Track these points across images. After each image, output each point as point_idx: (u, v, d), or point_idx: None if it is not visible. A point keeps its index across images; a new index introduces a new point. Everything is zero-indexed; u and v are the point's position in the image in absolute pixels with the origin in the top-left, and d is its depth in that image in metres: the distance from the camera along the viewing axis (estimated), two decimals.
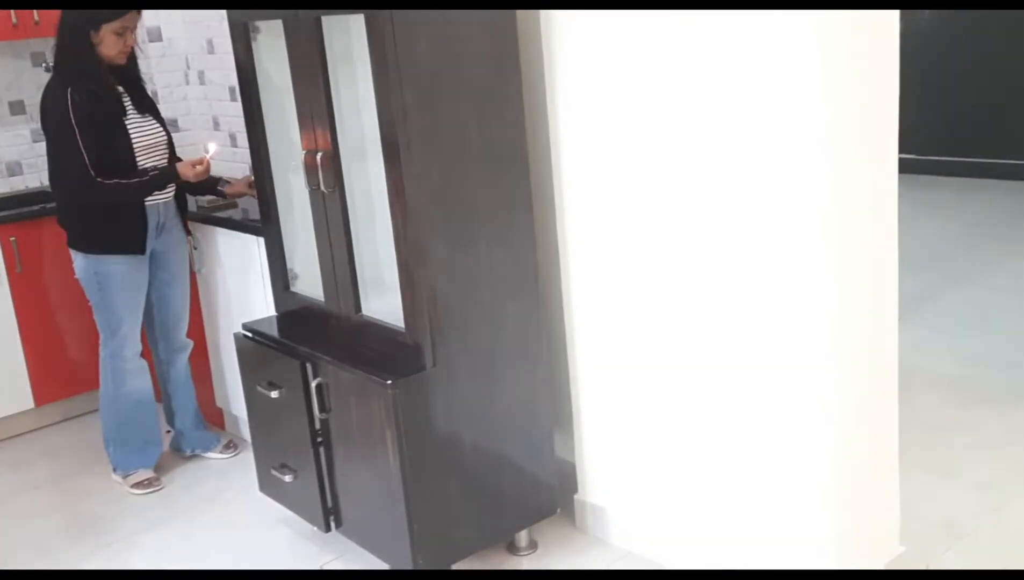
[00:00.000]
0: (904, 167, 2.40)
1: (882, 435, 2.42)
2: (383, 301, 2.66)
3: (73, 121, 3.10)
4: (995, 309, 4.46)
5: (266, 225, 2.92)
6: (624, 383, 2.66)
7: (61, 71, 3.18)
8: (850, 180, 2.16)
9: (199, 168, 3.27)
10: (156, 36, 4.27)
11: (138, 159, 3.25)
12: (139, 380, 3.43)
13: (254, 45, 2.74)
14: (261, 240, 3.26)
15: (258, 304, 3.36)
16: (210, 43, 4.16)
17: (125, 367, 3.39)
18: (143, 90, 3.38)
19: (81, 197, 3.22)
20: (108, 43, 3.16)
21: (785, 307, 2.24)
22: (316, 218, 2.66)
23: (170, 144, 3.42)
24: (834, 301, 2.18)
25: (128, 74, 3.31)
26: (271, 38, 2.72)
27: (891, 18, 2.19)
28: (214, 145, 3.47)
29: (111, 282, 3.29)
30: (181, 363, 3.59)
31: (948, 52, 6.83)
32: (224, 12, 2.78)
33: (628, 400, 2.66)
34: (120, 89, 3.27)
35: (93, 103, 3.14)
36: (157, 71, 4.29)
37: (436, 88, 2.35)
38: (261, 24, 2.72)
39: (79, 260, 3.29)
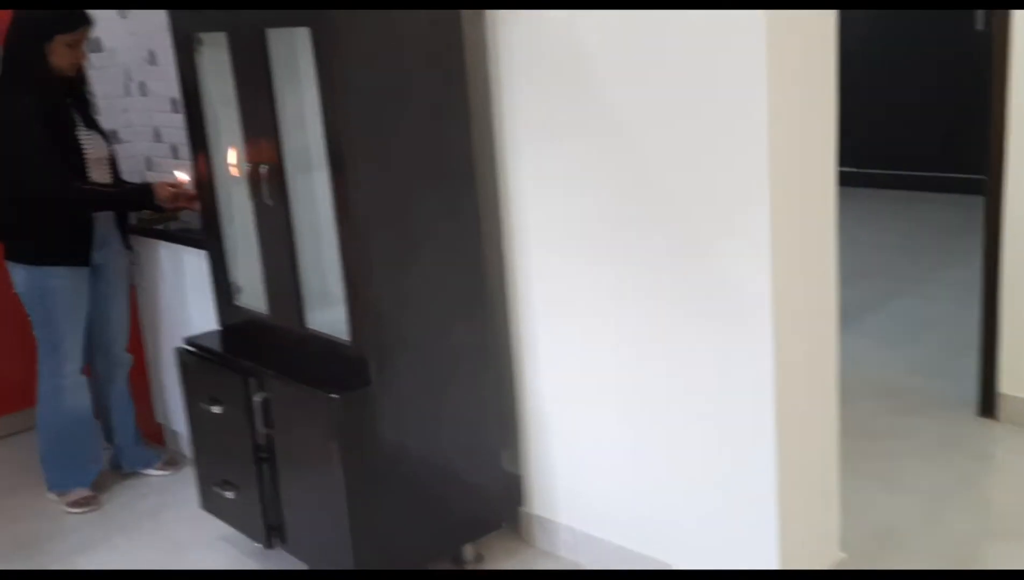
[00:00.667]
0: (843, 179, 2.45)
1: (822, 442, 2.46)
2: (328, 313, 2.64)
3: (38, 126, 3.06)
4: (932, 318, 4.56)
5: (209, 238, 2.89)
6: (570, 395, 2.67)
7: (15, 79, 3.12)
8: (789, 191, 2.20)
9: (174, 192, 3.24)
10: (97, 47, 4.19)
11: (91, 174, 3.21)
12: (78, 397, 3.36)
13: (197, 57, 2.71)
14: (203, 253, 3.22)
15: (199, 318, 3.31)
16: (152, 54, 4.10)
17: (64, 384, 3.31)
18: (89, 104, 3.34)
19: (56, 200, 3.15)
20: (59, 54, 3.12)
21: (725, 315, 2.27)
22: (260, 231, 2.64)
23: (112, 160, 3.38)
24: (775, 311, 2.21)
25: (76, 87, 3.27)
26: (214, 50, 2.69)
27: (828, 23, 2.23)
28: (183, 174, 3.39)
29: (55, 297, 3.22)
30: (120, 378, 3.52)
31: (887, 63, 6.97)
32: (166, 24, 2.75)
33: (574, 412, 2.68)
34: (69, 101, 3.23)
35: (49, 112, 3.12)
36: (98, 81, 4.19)
37: (382, 102, 2.35)
38: (204, 36, 2.69)
39: (20, 273, 3.22)
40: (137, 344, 3.70)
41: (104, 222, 3.29)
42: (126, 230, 3.45)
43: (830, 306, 2.39)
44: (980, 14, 6.21)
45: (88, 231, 3.24)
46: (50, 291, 3.21)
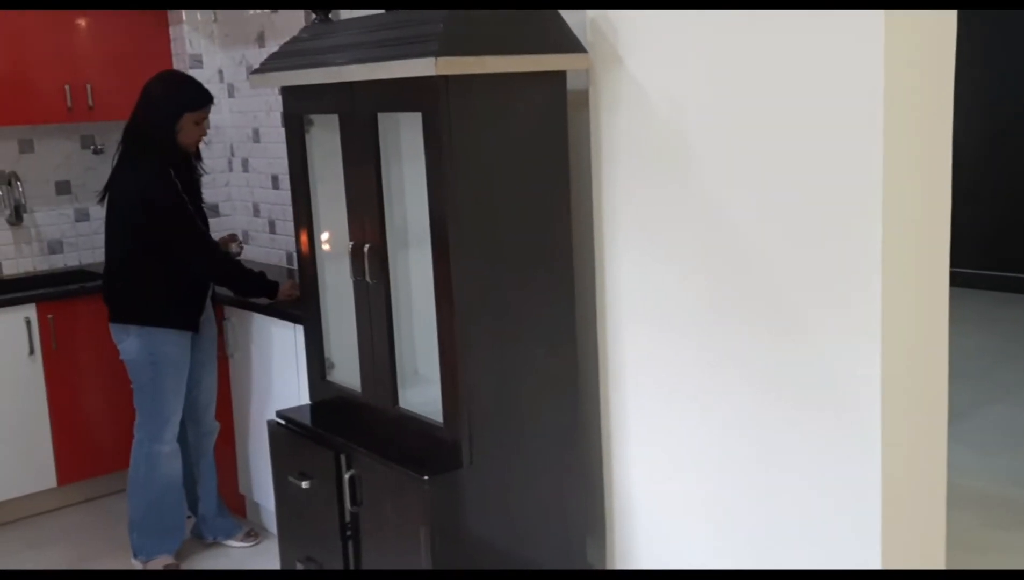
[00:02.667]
0: None
1: (928, 554, 2.35)
2: (419, 393, 2.64)
3: (184, 205, 3.26)
4: None
5: (307, 313, 2.93)
6: (660, 483, 2.61)
7: (157, 153, 3.26)
8: (900, 287, 2.14)
9: (292, 295, 3.40)
10: None
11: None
12: (173, 465, 3.41)
13: (307, 137, 2.79)
14: (295, 326, 3.27)
15: (290, 392, 3.35)
16: (256, 132, 4.24)
17: (162, 451, 3.37)
18: (197, 179, 3.51)
19: (211, 271, 3.38)
20: (187, 131, 3.29)
21: (828, 405, 2.21)
22: (358, 309, 2.67)
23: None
24: (883, 404, 2.13)
25: (191, 162, 3.44)
26: (323, 130, 2.76)
27: (945, 128, 2.20)
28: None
29: (164, 361, 3.31)
30: (208, 447, 3.57)
31: (994, 159, 6.87)
32: (273, 102, 2.84)
33: (663, 500, 2.61)
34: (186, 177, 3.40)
35: (180, 188, 3.30)
36: (203, 156, 4.36)
37: (488, 188, 2.38)
38: (315, 117, 2.77)
39: (132, 340, 3.29)
40: (226, 414, 3.75)
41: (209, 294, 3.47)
42: (216, 301, 3.58)
43: (941, 403, 2.30)
44: None
45: (201, 297, 3.38)
46: (160, 355, 3.30)
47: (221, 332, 3.66)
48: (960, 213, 7.43)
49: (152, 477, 3.37)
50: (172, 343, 3.32)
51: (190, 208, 3.30)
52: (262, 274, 3.49)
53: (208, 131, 3.43)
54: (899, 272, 2.12)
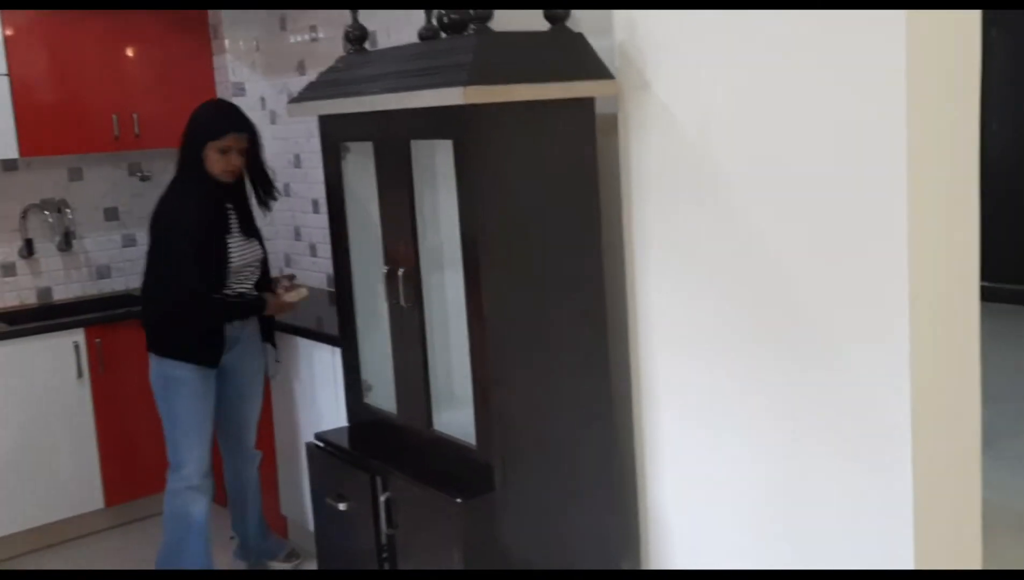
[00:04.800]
0: (980, 294, 2.36)
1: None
2: (454, 415, 2.67)
3: (191, 234, 3.21)
4: None
5: (344, 336, 2.98)
6: (693, 506, 2.61)
7: (182, 182, 3.31)
8: (929, 305, 2.13)
9: (284, 305, 3.40)
10: None
11: (231, 279, 3.34)
12: (194, 504, 3.33)
13: (343, 163, 2.85)
14: (336, 350, 3.32)
15: (330, 414, 3.40)
16: (297, 158, 4.33)
17: (178, 488, 3.33)
18: (249, 210, 3.47)
19: (182, 309, 3.28)
20: (212, 160, 3.28)
21: (859, 428, 2.20)
22: (394, 332, 2.71)
23: (264, 262, 3.53)
24: (914, 429, 2.12)
25: (237, 193, 3.41)
26: (359, 157, 2.82)
27: (971, 142, 2.19)
28: (301, 292, 3.56)
29: (177, 389, 3.28)
30: (248, 473, 3.59)
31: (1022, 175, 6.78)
32: (313, 128, 2.90)
33: (697, 523, 2.61)
34: (229, 206, 3.37)
35: (206, 217, 3.27)
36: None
37: (519, 212, 2.41)
38: (352, 144, 2.83)
39: (153, 364, 3.35)
40: (269, 437, 3.81)
41: (240, 326, 3.41)
42: (270, 328, 3.57)
43: (974, 425, 2.28)
44: None
45: (219, 337, 3.34)
46: (173, 382, 3.28)
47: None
48: (1009, 228, 7.38)
49: (171, 513, 3.33)
50: (189, 376, 3.28)
51: (191, 238, 3.21)
52: (241, 301, 3.39)
53: (240, 161, 3.35)
54: (928, 294, 2.11)
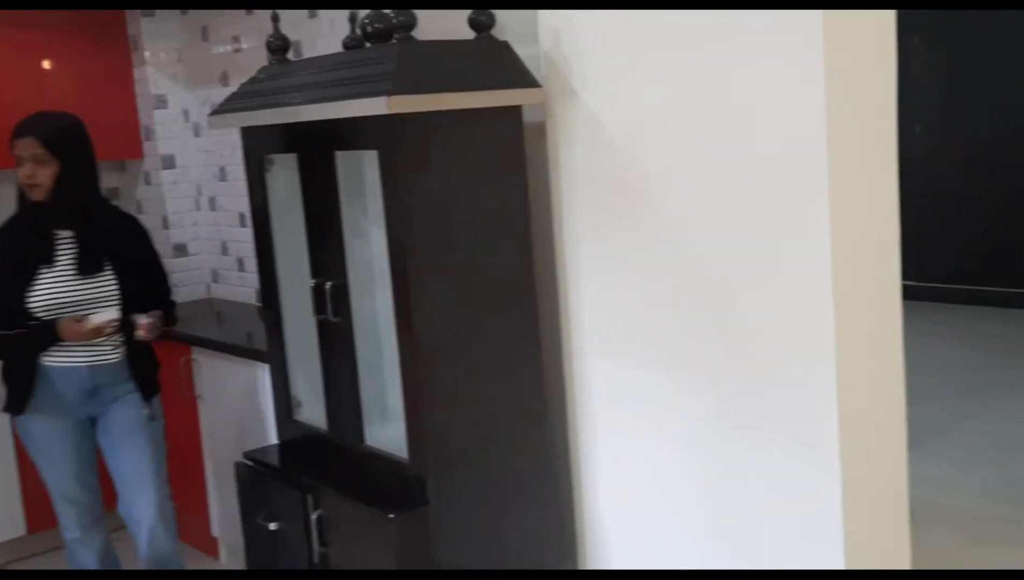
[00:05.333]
0: (906, 293, 2.40)
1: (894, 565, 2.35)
2: (386, 429, 2.63)
3: None
4: (1006, 440, 4.41)
5: (271, 352, 2.92)
6: (630, 508, 2.61)
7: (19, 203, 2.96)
8: (853, 306, 2.16)
9: (83, 331, 2.84)
10: (170, 163, 4.36)
11: (41, 316, 2.88)
12: (80, 555, 3.12)
13: (268, 176, 2.79)
14: (265, 366, 3.26)
15: (260, 431, 3.33)
16: (223, 170, 4.25)
17: (65, 538, 3.13)
18: (104, 237, 2.98)
19: None
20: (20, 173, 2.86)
21: (788, 425, 2.21)
22: (322, 347, 2.66)
23: (126, 299, 2.99)
24: (841, 423, 2.14)
25: (84, 217, 2.95)
26: (284, 168, 2.77)
27: (889, 139, 2.22)
28: (106, 314, 2.93)
29: (30, 443, 3.04)
30: (148, 538, 3.10)
31: (949, 175, 6.95)
32: (239, 141, 2.85)
33: (633, 525, 2.61)
34: (63, 234, 2.93)
35: (13, 245, 2.91)
36: (169, 197, 4.37)
37: (447, 222, 2.39)
38: (276, 156, 2.77)
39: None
40: (196, 456, 3.72)
41: (95, 374, 2.99)
42: (147, 382, 3.11)
43: (900, 422, 2.32)
44: None
45: (28, 379, 2.95)
46: (26, 437, 3.05)
47: (186, 377, 3.62)
48: (935, 228, 7.60)
49: (68, 558, 3.16)
50: (32, 423, 2.99)
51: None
52: (26, 332, 2.91)
53: (31, 173, 2.84)
54: (851, 294, 2.13)
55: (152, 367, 3.17)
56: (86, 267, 2.94)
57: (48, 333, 2.88)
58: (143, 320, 2.98)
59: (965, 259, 6.99)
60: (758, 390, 2.26)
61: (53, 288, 2.91)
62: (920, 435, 4.23)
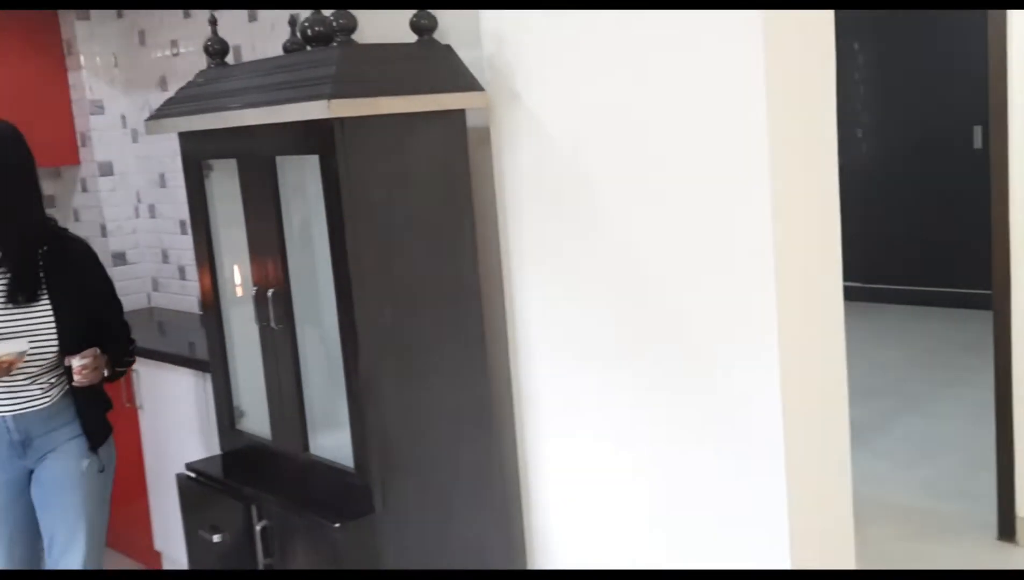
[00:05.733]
0: (849, 295, 2.43)
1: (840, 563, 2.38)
2: (332, 437, 2.60)
3: None
4: (945, 437, 4.50)
5: (213, 361, 2.86)
6: (577, 513, 2.61)
7: None
8: (795, 307, 2.18)
9: None
10: (108, 170, 4.28)
11: None
12: None
13: (207, 182, 2.75)
14: (207, 375, 3.20)
15: (202, 442, 3.27)
16: (162, 177, 4.17)
17: None
18: (42, 262, 2.68)
19: None
20: None
21: (734, 430, 2.23)
22: (265, 355, 2.62)
23: (64, 334, 2.66)
24: (785, 426, 2.16)
25: (16, 237, 2.65)
26: (223, 174, 2.72)
27: (830, 144, 2.25)
28: (9, 346, 2.59)
29: None
30: None
31: (891, 181, 7.09)
32: (178, 147, 2.80)
33: (581, 531, 2.60)
34: None
35: None
36: (107, 204, 4.28)
37: (389, 225, 2.37)
38: (215, 162, 2.73)
39: None
40: (138, 468, 3.65)
41: (17, 424, 2.67)
42: (93, 426, 2.78)
43: (842, 421, 2.35)
44: (978, 133, 6.33)
45: None
46: None
47: (126, 388, 3.54)
48: (877, 230, 7.71)
49: None
50: None
51: None
52: None
53: None
54: (793, 296, 2.15)
55: (100, 408, 2.83)
56: (17, 296, 2.62)
57: None
58: (76, 362, 2.63)
59: (905, 260, 7.13)
60: (703, 390, 2.28)
61: None
62: (862, 433, 4.30)
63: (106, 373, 2.76)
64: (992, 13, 3.21)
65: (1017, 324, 3.27)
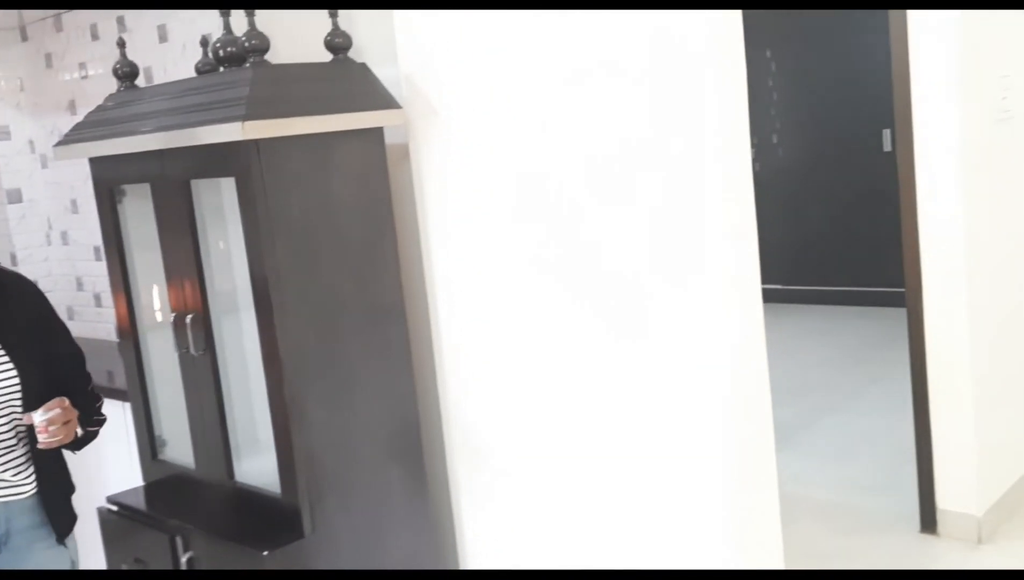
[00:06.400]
0: (770, 297, 2.48)
1: (767, 567, 2.41)
2: (259, 463, 2.55)
3: None
4: (868, 433, 4.60)
5: (132, 390, 2.79)
6: (510, 538, 2.60)
7: None
8: (715, 311, 2.21)
9: None
10: (16, 197, 4.15)
11: None
12: None
13: (120, 207, 2.68)
14: (127, 405, 3.12)
15: (124, 473, 3.18)
16: (74, 203, 4.07)
17: None
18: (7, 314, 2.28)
19: None
20: None
21: (668, 446, 2.25)
22: (186, 382, 2.57)
23: (28, 395, 2.25)
24: (710, 437, 2.19)
25: None
26: (137, 199, 2.66)
27: (744, 151, 2.29)
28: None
29: None
30: None
31: (806, 185, 7.24)
32: (88, 172, 2.73)
33: (519, 555, 2.60)
34: None
35: None
36: (16, 232, 4.15)
37: (310, 246, 2.34)
38: (128, 186, 2.67)
39: None
40: None
41: (13, 512, 2.30)
42: (58, 513, 2.41)
43: (766, 423, 2.38)
44: (887, 136, 6.51)
45: None
46: None
47: None
48: (798, 233, 7.78)
49: None
50: None
51: None
52: None
53: None
54: (712, 297, 2.18)
55: (65, 488, 2.45)
56: None
57: None
58: (38, 417, 2.17)
59: (823, 262, 7.29)
60: (632, 395, 2.29)
61: None
62: (788, 433, 4.38)
63: (79, 432, 2.32)
64: (894, 18, 3.30)
65: (930, 320, 3.36)
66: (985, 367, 3.38)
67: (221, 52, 2.40)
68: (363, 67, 2.50)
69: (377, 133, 2.49)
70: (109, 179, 2.66)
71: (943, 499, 3.42)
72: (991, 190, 3.40)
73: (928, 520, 3.47)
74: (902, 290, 3.48)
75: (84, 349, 2.55)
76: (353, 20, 2.62)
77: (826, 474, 4.15)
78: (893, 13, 3.30)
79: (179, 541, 2.50)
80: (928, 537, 3.46)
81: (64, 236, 4.16)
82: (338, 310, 2.41)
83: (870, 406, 4.98)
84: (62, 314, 3.98)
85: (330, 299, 2.39)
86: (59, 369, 2.38)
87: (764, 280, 2.39)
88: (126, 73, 2.65)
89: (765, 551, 2.40)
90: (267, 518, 2.40)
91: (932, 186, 3.30)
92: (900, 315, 3.57)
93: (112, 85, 2.76)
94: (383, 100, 2.47)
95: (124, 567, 2.64)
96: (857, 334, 6.46)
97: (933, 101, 3.25)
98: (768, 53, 7.26)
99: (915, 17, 3.25)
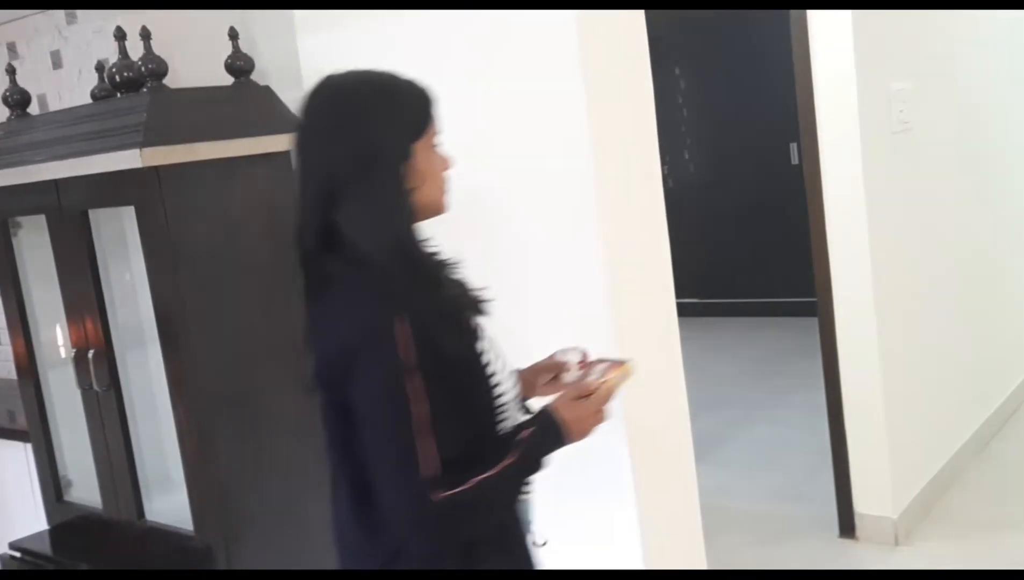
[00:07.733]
0: (684, 311, 2.49)
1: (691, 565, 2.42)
2: (171, 501, 2.47)
3: (403, 382, 1.47)
4: (785, 443, 4.67)
5: (33, 430, 2.68)
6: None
7: (372, 272, 1.55)
8: (630, 326, 2.21)
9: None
10: None
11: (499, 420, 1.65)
12: None
13: (15, 240, 2.58)
14: (28, 445, 3.00)
15: (27, 518, 3.05)
16: None
17: None
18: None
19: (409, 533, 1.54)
20: (426, 173, 1.58)
21: (583, 459, 2.24)
22: (90, 420, 2.47)
23: None
24: (630, 451, 2.19)
25: None
26: (34, 231, 2.56)
27: (653, 166, 2.30)
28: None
29: None
30: None
31: (715, 199, 7.36)
32: None
33: None
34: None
35: (438, 330, 1.53)
36: None
37: (216, 275, 2.28)
38: (22, 219, 2.57)
39: None
40: None
41: None
42: None
43: (685, 436, 2.39)
44: (795, 149, 6.67)
45: None
46: None
47: None
48: (711, 247, 7.83)
49: None
50: None
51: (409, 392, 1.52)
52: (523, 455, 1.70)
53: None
54: (627, 312, 2.19)
55: None
56: None
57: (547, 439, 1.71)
58: None
59: (736, 275, 7.42)
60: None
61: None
62: (706, 445, 4.42)
63: None
64: (796, 34, 3.37)
65: (841, 328, 3.43)
66: (895, 372, 3.46)
67: (117, 77, 2.33)
68: (267, 90, 2.45)
69: (284, 157, 2.44)
70: (2, 211, 2.56)
71: (860, 503, 3.48)
72: (894, 199, 3.49)
73: (847, 525, 3.53)
74: (814, 300, 3.54)
75: None
76: (255, 42, 2.57)
77: (746, 484, 4.19)
78: (795, 28, 3.37)
79: None
80: (847, 542, 3.51)
81: None
82: (248, 339, 2.35)
83: (787, 415, 5.06)
84: None
85: (240, 328, 2.33)
86: None
87: (678, 294, 2.40)
88: (17, 101, 2.56)
89: (689, 564, 2.40)
90: (180, 557, 2.32)
91: (838, 197, 3.37)
92: (812, 325, 3.63)
93: (2, 114, 2.67)
94: (289, 123, 2.42)
95: None
96: (771, 345, 6.57)
97: (835, 114, 3.33)
98: (677, 71, 7.38)
99: (816, 31, 3.32)
